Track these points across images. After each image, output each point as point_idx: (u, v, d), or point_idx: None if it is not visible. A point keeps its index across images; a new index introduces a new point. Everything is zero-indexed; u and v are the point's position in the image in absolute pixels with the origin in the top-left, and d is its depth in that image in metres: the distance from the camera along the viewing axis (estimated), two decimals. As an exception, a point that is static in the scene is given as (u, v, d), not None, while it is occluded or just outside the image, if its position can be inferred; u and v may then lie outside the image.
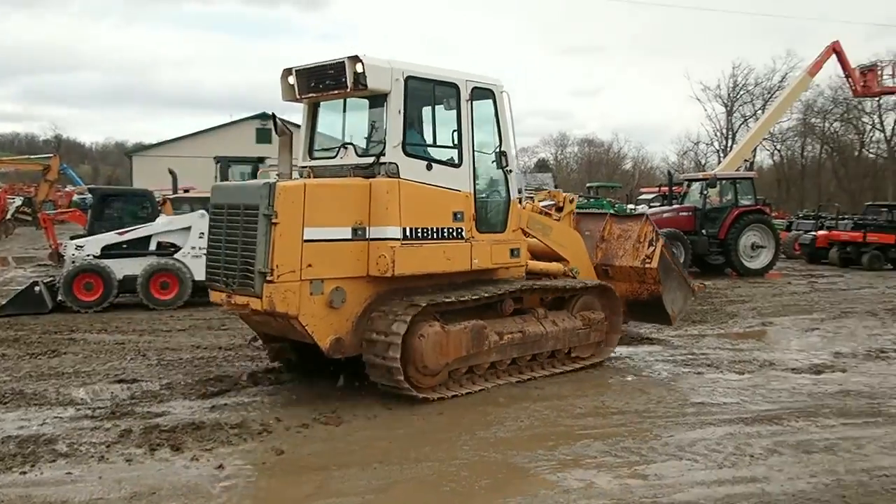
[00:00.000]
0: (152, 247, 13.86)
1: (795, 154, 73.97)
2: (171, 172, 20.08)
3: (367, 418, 6.88)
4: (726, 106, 69.02)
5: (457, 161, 7.75)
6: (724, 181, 22.25)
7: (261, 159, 21.68)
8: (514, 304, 8.28)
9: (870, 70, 27.30)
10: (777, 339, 11.35)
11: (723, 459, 5.82)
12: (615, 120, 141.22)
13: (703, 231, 20.72)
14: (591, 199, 29.75)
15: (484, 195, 8.15)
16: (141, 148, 58.72)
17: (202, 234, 13.80)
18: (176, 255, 13.66)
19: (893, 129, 64.37)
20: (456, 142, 7.77)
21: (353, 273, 7.17)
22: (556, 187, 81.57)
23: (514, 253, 8.29)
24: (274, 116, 7.98)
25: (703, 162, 70.14)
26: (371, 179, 7.31)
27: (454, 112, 7.80)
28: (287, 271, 6.70)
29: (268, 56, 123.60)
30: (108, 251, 13.48)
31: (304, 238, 6.79)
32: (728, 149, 60.74)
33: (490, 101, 8.10)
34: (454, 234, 7.66)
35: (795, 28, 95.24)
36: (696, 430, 6.59)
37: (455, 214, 7.66)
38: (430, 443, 6.22)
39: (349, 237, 7.13)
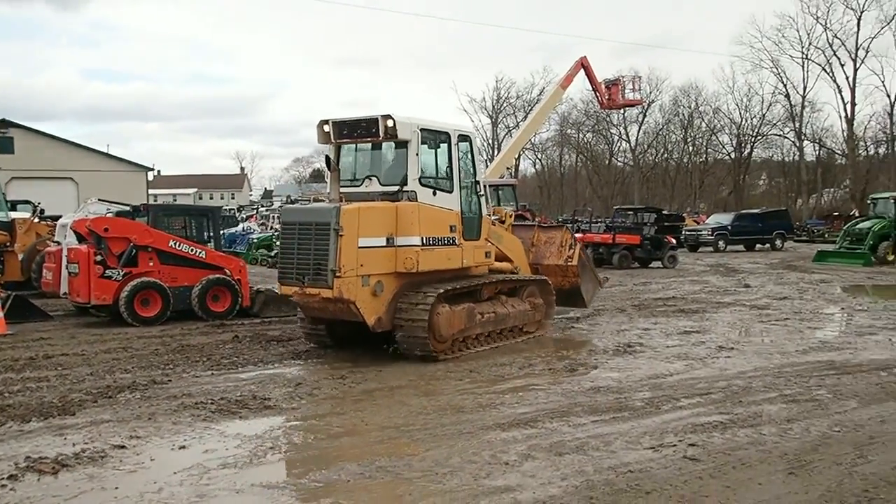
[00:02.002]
0: None
1: (554, 162, 79.34)
2: None
3: (93, 461, 6.00)
4: (491, 117, 72.35)
5: (450, 188, 10.41)
6: (487, 188, 22.99)
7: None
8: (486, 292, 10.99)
9: (614, 84, 29.36)
10: (536, 340, 11.68)
11: (478, 470, 5.67)
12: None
13: (470, 237, 21.20)
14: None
15: (466, 212, 10.66)
16: None
17: None
18: None
19: (637, 139, 71.01)
20: (449, 174, 10.42)
21: (386, 270, 9.75)
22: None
23: (487, 255, 11.12)
24: (327, 157, 10.39)
25: (472, 171, 73.02)
26: (397, 203, 9.83)
27: (447, 152, 10.45)
28: (349, 269, 9.33)
29: (18, 58, 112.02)
30: None
31: (359, 245, 9.39)
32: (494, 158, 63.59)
33: (468, 144, 10.85)
34: (451, 241, 10.32)
35: (554, 45, 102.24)
36: (455, 440, 6.43)
37: (451, 227, 10.33)
38: (166, 484, 5.51)
39: (384, 244, 9.69)
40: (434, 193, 10.14)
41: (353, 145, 10.57)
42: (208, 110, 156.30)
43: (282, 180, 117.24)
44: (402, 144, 10.02)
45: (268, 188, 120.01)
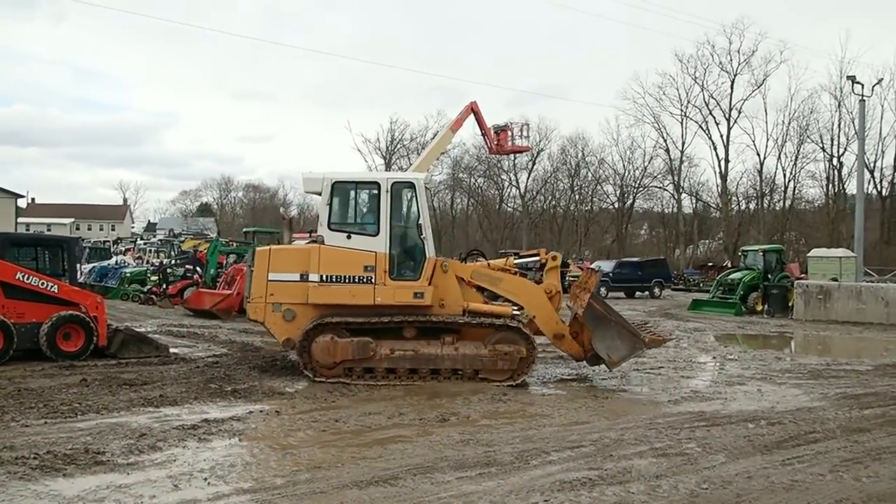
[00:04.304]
0: None
1: (446, 205, 79.78)
2: None
3: None
4: (385, 158, 72.20)
5: (374, 231, 11.32)
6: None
7: None
8: (415, 330, 11.36)
9: (503, 130, 29.71)
10: (405, 390, 11.21)
11: (326, 537, 5.13)
12: (283, 166, 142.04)
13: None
14: (240, 245, 28.53)
15: (402, 253, 11.44)
16: None
17: None
18: None
19: (526, 186, 72.46)
20: (375, 219, 11.36)
21: (299, 301, 11.33)
22: (218, 232, 78.75)
23: (417, 295, 11.23)
24: (280, 209, 14.58)
25: (364, 210, 72.43)
26: (310, 246, 11.47)
27: (376, 199, 11.38)
28: (258, 297, 11.43)
29: None
30: None
31: (269, 279, 11.36)
32: (386, 199, 63.16)
33: (412, 190, 11.46)
34: (363, 280, 11.18)
35: (449, 89, 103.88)
36: (305, 501, 5.86)
37: (366, 267, 11.18)
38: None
39: (297, 279, 11.29)
40: (349, 237, 11.31)
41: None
42: (95, 138, 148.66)
43: (167, 213, 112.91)
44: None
45: (152, 221, 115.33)
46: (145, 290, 26.84)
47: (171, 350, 13.92)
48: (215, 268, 25.27)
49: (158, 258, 35.94)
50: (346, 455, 7.26)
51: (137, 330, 14.98)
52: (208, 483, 6.30)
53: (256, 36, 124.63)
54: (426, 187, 12.18)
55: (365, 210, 11.69)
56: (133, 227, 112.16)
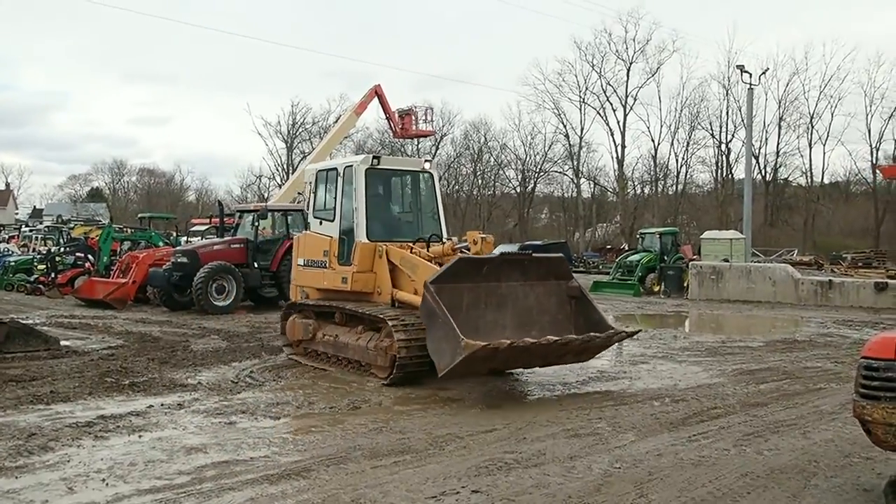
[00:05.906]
0: None
1: (350, 190, 78.97)
2: None
3: None
4: (286, 142, 70.85)
5: (332, 217, 11.69)
6: (276, 213, 21.96)
7: None
8: (342, 316, 11.23)
9: (407, 114, 29.68)
10: (320, 377, 10.98)
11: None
12: (182, 150, 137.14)
13: (256, 263, 20.24)
14: (136, 231, 27.41)
15: (348, 238, 11.40)
16: None
17: None
18: None
19: (429, 170, 72.37)
20: (333, 204, 11.67)
21: (310, 284, 12.12)
22: (111, 218, 75.67)
23: (343, 280, 11.27)
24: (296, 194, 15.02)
25: (266, 195, 70.98)
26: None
27: (335, 185, 11.67)
28: (294, 280, 12.74)
29: None
30: None
31: (298, 263, 12.49)
32: (289, 183, 62.02)
33: (352, 173, 11.37)
34: (321, 264, 11.77)
35: (352, 72, 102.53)
36: (212, 500, 5.59)
37: (323, 252, 11.72)
38: None
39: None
40: (321, 223, 11.96)
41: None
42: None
43: (55, 199, 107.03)
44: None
45: (38, 207, 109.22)
46: (32, 279, 25.41)
47: (62, 343, 13.15)
48: (108, 255, 24.15)
49: (46, 246, 34.08)
50: (257, 449, 6.99)
51: (24, 322, 14.15)
52: (106, 484, 5.93)
53: (152, 13, 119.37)
54: (430, 172, 12.29)
55: (331, 197, 11.98)
56: (17, 214, 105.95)
